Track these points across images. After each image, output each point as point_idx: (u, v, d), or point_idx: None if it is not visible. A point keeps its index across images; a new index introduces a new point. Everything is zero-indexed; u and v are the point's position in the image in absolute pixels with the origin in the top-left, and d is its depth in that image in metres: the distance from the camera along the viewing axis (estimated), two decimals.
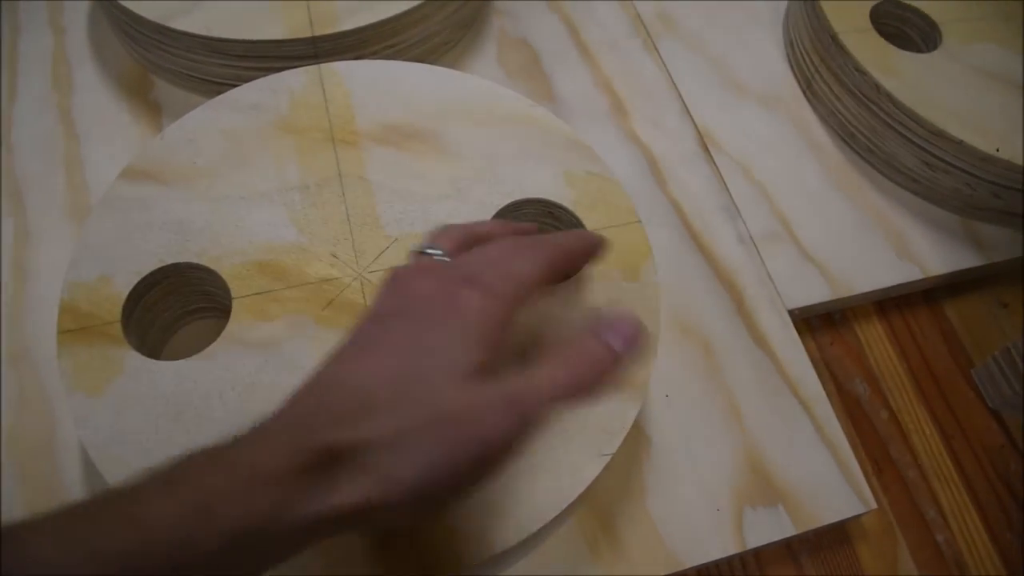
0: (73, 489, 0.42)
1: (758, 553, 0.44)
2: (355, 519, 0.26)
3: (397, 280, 0.31)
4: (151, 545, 0.23)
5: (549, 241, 0.33)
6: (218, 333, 0.45)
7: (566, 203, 0.44)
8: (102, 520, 0.24)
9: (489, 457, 0.27)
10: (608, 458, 0.38)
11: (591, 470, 0.37)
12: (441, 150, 0.46)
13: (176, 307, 0.44)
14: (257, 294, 0.41)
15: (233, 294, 0.41)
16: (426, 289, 0.30)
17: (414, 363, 0.28)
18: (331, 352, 0.29)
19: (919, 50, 0.57)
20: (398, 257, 0.42)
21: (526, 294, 0.30)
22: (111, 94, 0.56)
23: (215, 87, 0.54)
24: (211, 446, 0.26)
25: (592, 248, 0.35)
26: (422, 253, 0.33)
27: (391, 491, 0.26)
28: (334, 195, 0.44)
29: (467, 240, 0.34)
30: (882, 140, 0.54)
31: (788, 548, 0.45)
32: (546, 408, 0.28)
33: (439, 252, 0.33)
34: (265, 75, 0.48)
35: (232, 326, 0.40)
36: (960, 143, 0.50)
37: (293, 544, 0.26)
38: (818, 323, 0.52)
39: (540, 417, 0.28)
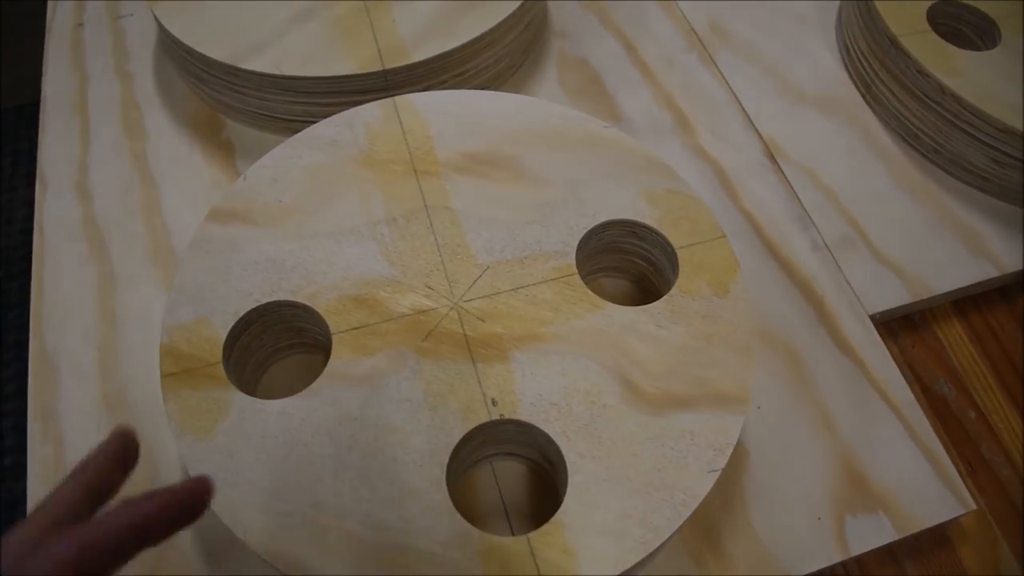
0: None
1: (860, 558, 0.44)
2: None
3: None
4: None
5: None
6: (309, 368, 0.46)
7: (650, 222, 0.45)
8: None
9: None
10: (717, 474, 0.38)
11: (702, 486, 0.37)
12: (522, 176, 0.46)
13: (269, 344, 0.45)
14: (355, 329, 0.41)
15: (332, 329, 0.41)
16: None
17: None
18: None
19: (976, 48, 0.58)
20: (491, 285, 0.42)
21: None
22: (183, 137, 0.57)
23: (285, 124, 0.55)
24: None
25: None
26: None
27: None
28: (422, 226, 0.44)
29: None
30: (948, 140, 0.54)
31: (889, 551, 0.45)
32: None
33: None
34: (336, 110, 0.49)
35: (334, 362, 0.41)
36: None
37: None
38: (897, 326, 0.52)
39: None
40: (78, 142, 0.57)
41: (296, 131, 0.49)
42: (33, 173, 0.55)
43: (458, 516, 0.37)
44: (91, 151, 0.56)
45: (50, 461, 0.45)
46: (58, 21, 0.64)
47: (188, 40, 0.53)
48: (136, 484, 0.43)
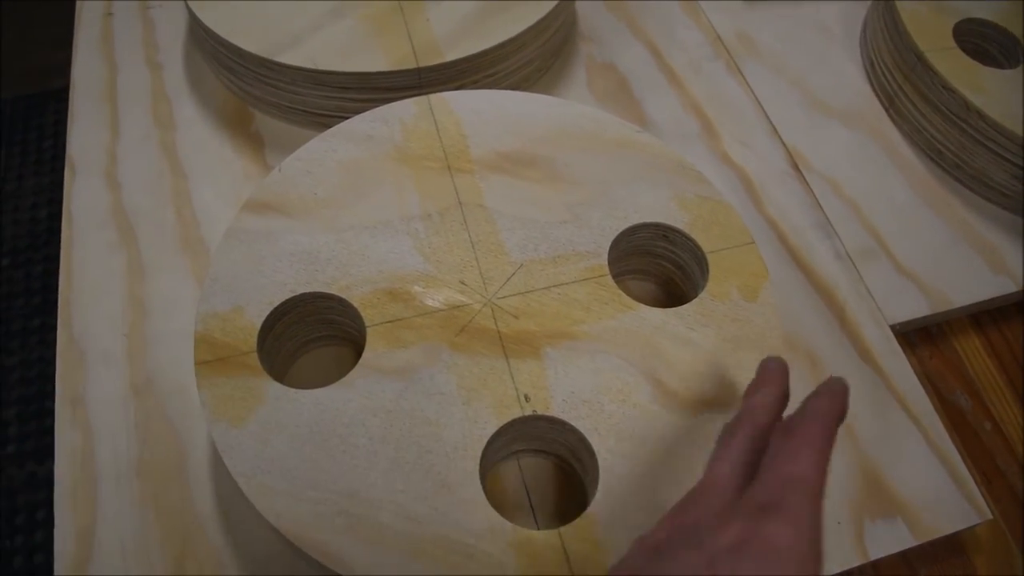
0: (206, 518, 0.43)
1: (876, 563, 0.45)
2: None
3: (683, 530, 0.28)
4: None
5: (819, 418, 0.32)
6: (336, 360, 0.46)
7: (681, 226, 0.45)
8: None
9: None
10: None
11: None
12: (555, 177, 0.47)
13: (300, 335, 0.45)
14: (390, 322, 0.42)
15: (366, 322, 0.42)
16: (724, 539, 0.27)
17: None
18: None
19: (1000, 66, 0.58)
20: (524, 282, 0.43)
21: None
22: (212, 128, 0.57)
23: (315, 118, 0.55)
24: None
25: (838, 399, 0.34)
26: None
27: None
28: (456, 223, 0.45)
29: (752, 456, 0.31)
30: (971, 156, 0.55)
31: (904, 555, 0.45)
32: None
33: None
34: (368, 106, 0.50)
35: (368, 354, 0.41)
36: None
37: None
38: (916, 337, 0.53)
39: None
40: (108, 131, 0.57)
41: (326, 126, 0.49)
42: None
43: (491, 509, 0.37)
44: (120, 140, 0.56)
45: (77, 447, 0.45)
46: (87, 9, 0.64)
47: (221, 32, 0.53)
48: (160, 469, 0.44)
